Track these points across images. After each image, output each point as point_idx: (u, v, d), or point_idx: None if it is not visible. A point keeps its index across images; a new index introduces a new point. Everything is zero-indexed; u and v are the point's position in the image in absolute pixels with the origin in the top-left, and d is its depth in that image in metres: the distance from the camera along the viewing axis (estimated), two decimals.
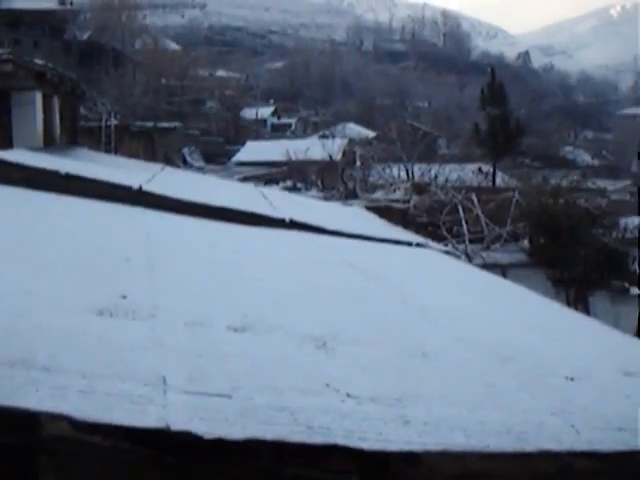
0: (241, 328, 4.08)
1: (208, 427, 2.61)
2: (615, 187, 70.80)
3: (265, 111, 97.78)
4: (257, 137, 77.36)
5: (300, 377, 3.43)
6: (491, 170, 40.90)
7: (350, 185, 31.71)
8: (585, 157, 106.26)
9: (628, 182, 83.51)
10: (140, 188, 8.98)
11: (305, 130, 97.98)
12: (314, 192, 32.11)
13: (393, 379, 3.67)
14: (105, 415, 2.56)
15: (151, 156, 41.39)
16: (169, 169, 17.09)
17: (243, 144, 66.12)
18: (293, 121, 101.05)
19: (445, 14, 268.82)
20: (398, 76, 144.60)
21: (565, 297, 19.42)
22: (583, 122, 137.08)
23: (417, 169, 37.16)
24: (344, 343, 4.13)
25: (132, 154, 35.12)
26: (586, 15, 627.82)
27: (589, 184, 38.82)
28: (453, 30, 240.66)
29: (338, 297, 5.58)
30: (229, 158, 63.36)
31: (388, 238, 10.51)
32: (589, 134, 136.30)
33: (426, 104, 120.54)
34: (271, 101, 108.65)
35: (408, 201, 22.18)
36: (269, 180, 41.48)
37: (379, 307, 5.53)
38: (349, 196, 26.92)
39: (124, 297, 4.31)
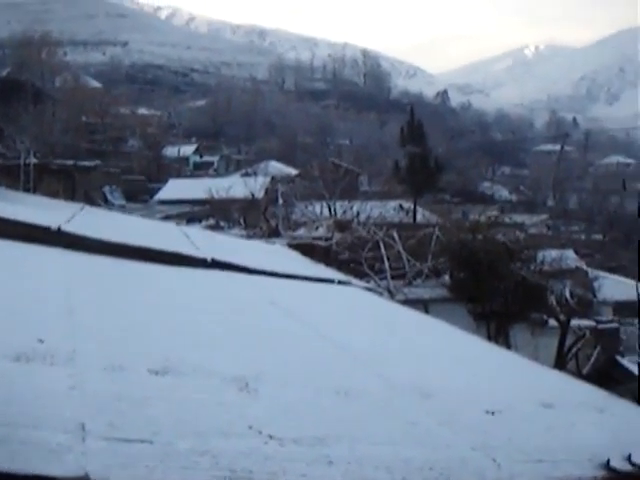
0: (162, 371, 4.03)
1: (128, 474, 2.57)
2: (532, 221, 72.59)
3: (187, 149, 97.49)
4: (179, 175, 77.09)
5: (222, 420, 3.41)
6: (412, 207, 41.47)
7: (273, 223, 31.74)
8: (503, 192, 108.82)
9: (545, 216, 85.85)
10: (59, 228, 8.81)
11: (228, 168, 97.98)
12: (237, 230, 32.01)
13: (316, 419, 3.67)
14: (22, 465, 2.49)
15: (71, 195, 40.78)
16: (89, 208, 16.81)
17: (165, 182, 65.74)
18: (215, 159, 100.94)
19: (365, 53, 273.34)
20: (320, 114, 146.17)
21: (486, 331, 19.75)
22: (500, 158, 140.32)
23: (339, 206, 37.42)
24: (267, 384, 4.12)
25: (52, 193, 34.42)
26: (501, 55, 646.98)
27: (507, 219, 39.64)
28: (373, 69, 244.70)
29: (261, 337, 5.57)
30: (151, 196, 62.88)
31: (311, 276, 10.53)
32: (506, 170, 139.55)
33: (347, 142, 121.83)
34: (193, 139, 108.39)
35: (331, 238, 22.28)
36: (191, 219, 41.31)
37: (302, 346, 5.54)
38: (272, 234, 26.95)
39: (41, 341, 4.22)
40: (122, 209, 47.57)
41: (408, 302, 17.75)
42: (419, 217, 40.21)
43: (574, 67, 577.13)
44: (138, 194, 64.18)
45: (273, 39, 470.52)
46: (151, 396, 3.61)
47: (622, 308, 33.34)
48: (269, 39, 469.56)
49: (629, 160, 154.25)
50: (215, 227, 35.28)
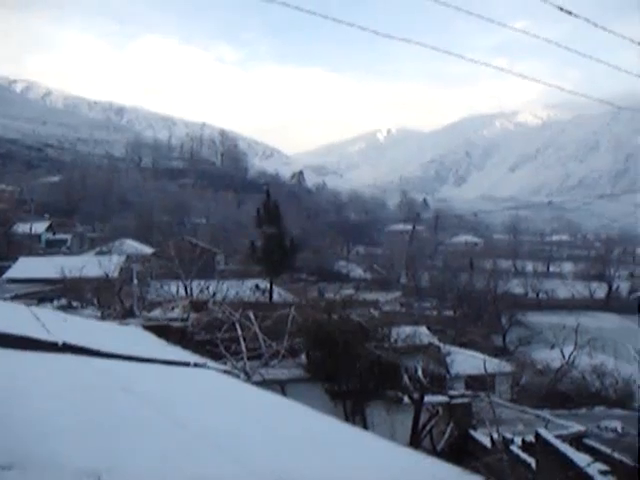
0: (7, 466, 3.87)
1: None
2: (386, 298, 74.33)
3: (39, 226, 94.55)
4: (30, 253, 74.43)
5: None
6: (268, 286, 41.68)
7: (127, 303, 31.10)
8: (358, 270, 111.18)
9: (398, 293, 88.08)
10: None
11: (81, 246, 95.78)
12: (90, 311, 31.13)
13: None
14: None
15: None
16: None
17: (15, 260, 63.32)
18: (69, 237, 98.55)
19: (223, 134, 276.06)
20: (177, 193, 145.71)
21: (343, 409, 19.88)
22: (355, 238, 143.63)
23: (196, 286, 37.21)
24: (121, 475, 4.03)
25: None
26: (355, 138, 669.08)
27: (363, 296, 40.43)
28: (231, 149, 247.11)
29: (113, 426, 5.44)
30: (0, 275, 60.37)
31: (166, 359, 10.39)
32: (361, 249, 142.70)
33: (204, 221, 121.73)
34: (46, 216, 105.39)
35: (186, 319, 22.05)
36: (42, 298, 39.87)
37: (156, 434, 5.44)
38: (126, 315, 26.38)
39: None
40: None
41: (265, 383, 17.69)
42: (275, 296, 40.40)
43: (424, 150, 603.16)
44: None
45: (131, 116, 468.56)
46: None
47: (474, 382, 34.46)
48: (127, 116, 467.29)
49: (476, 239, 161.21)
50: (67, 307, 34.15)
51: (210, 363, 11.63)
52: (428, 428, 20.57)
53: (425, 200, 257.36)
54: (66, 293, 40.60)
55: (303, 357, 21.58)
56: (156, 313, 26.00)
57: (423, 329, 41.27)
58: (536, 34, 14.76)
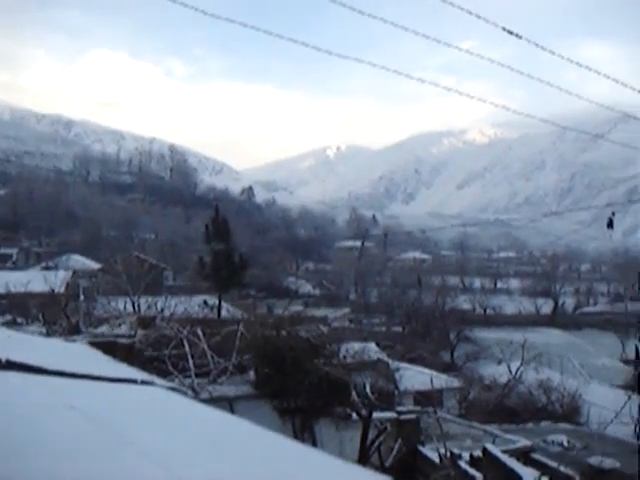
0: None
1: None
2: (335, 315, 74.62)
3: None
4: None
5: None
6: (217, 302, 41.49)
7: (74, 319, 30.64)
8: (307, 287, 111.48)
9: (347, 309, 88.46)
10: None
11: (27, 261, 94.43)
12: (35, 327, 30.59)
13: None
14: None
15: None
16: None
17: None
18: (14, 251, 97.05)
19: (172, 148, 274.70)
20: (125, 208, 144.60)
21: (292, 426, 19.84)
22: (304, 254, 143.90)
23: (143, 302, 36.86)
24: None
25: None
26: (305, 154, 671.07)
27: (312, 313, 40.52)
28: (180, 164, 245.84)
29: (59, 445, 5.37)
30: None
31: (112, 377, 10.28)
32: (310, 265, 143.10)
33: (153, 236, 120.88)
34: None
35: (134, 335, 21.81)
36: None
37: (101, 454, 5.39)
38: (72, 331, 25.98)
39: None
40: None
41: (213, 400, 17.60)
42: (224, 313, 40.25)
43: (373, 167, 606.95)
44: None
45: (79, 130, 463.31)
46: None
47: (422, 397, 34.69)
48: (75, 130, 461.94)
49: (425, 256, 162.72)
50: (12, 324, 33.52)
51: (157, 380, 11.54)
52: (376, 444, 20.61)
53: (374, 217, 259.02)
54: (11, 309, 39.87)
55: (252, 374, 21.52)
56: (103, 329, 25.67)
57: (372, 345, 41.51)
58: (483, 54, 15.09)
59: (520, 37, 13.52)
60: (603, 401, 42.03)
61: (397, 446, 21.11)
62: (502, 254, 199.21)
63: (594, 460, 23.12)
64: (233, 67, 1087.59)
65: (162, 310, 32.99)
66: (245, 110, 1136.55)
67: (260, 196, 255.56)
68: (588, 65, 15.71)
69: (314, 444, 19.08)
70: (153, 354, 20.60)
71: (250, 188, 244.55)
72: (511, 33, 13.32)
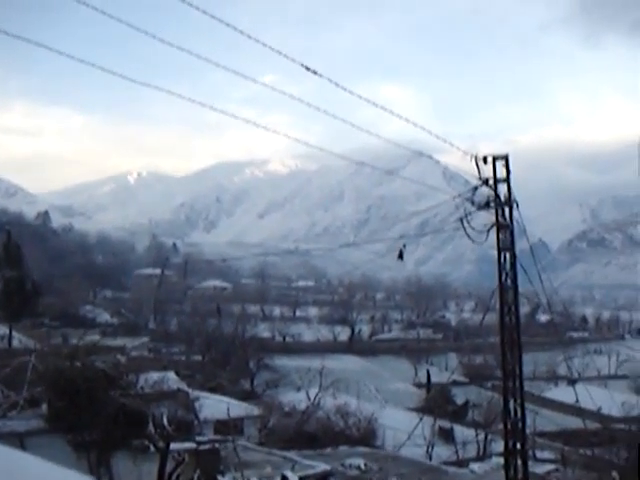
0: None
1: None
2: (134, 344, 72.94)
3: None
4: None
5: None
6: (7, 332, 39.55)
7: None
8: (105, 315, 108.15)
9: (146, 338, 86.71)
10: None
11: None
12: None
13: None
14: None
15: None
16: None
17: None
18: None
19: None
20: None
21: (87, 462, 19.09)
22: (102, 281, 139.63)
23: None
24: None
25: None
26: (105, 179, 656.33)
27: (109, 342, 39.44)
28: None
29: None
30: None
31: None
32: (108, 293, 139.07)
33: None
34: None
35: None
36: None
37: None
38: None
39: None
40: None
41: (2, 437, 16.62)
42: (15, 343, 38.41)
43: (174, 194, 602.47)
44: None
45: None
46: None
47: (223, 426, 34.44)
48: None
49: (225, 284, 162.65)
50: None
51: None
52: (175, 476, 20.23)
53: (175, 244, 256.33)
54: None
55: (44, 407, 20.56)
56: None
57: (171, 374, 40.81)
58: (283, 89, 15.34)
59: (317, 73, 13.90)
60: (397, 424, 43.68)
61: (196, 477, 20.82)
62: (301, 283, 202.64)
63: None
64: (32, 87, 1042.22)
65: None
66: (42, 132, 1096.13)
67: (57, 221, 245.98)
68: (383, 105, 16.44)
69: (111, 479, 18.46)
70: None
71: (46, 212, 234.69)
72: (308, 69, 13.66)
